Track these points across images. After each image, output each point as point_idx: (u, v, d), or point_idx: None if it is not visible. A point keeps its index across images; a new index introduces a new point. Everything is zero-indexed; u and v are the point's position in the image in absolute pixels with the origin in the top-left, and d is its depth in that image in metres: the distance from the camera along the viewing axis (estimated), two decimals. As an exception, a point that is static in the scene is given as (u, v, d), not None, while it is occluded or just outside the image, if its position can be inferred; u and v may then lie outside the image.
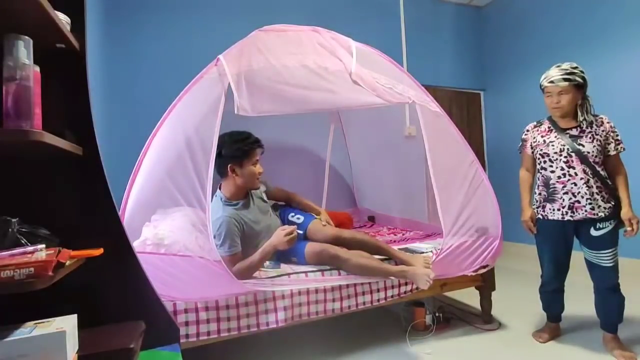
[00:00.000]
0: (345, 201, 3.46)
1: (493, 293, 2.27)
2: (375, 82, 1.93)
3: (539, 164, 1.94)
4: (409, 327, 2.12)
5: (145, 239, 1.62)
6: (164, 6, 3.03)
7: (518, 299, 2.61)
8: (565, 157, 1.82)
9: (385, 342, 2.05)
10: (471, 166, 2.05)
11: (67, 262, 0.86)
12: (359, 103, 1.90)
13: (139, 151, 1.80)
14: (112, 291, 1.13)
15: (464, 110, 4.41)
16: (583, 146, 1.78)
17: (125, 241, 1.15)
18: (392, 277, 1.92)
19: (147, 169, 1.74)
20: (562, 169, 1.83)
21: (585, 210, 1.78)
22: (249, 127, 1.97)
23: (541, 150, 1.90)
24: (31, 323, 0.83)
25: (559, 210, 1.85)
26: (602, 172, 1.79)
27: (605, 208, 1.78)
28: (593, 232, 1.80)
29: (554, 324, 2.05)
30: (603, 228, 1.79)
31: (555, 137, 1.87)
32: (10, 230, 0.89)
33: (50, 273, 0.76)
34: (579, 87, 1.80)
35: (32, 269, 0.73)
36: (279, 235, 1.80)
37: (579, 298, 2.13)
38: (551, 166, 1.87)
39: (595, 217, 1.78)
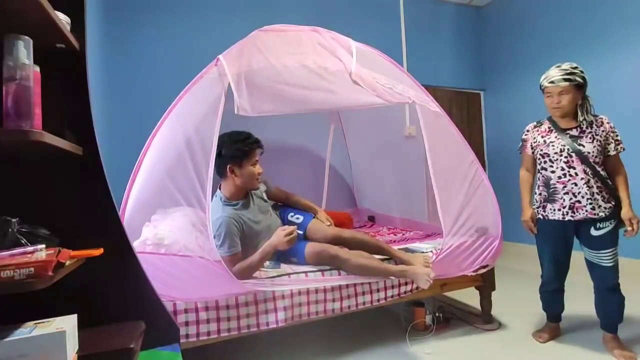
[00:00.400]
0: (345, 201, 3.46)
1: (493, 293, 2.27)
2: (375, 82, 1.93)
3: (539, 164, 1.94)
4: (409, 327, 2.12)
5: (145, 239, 1.62)
6: (164, 6, 3.03)
7: (518, 299, 2.61)
8: (566, 157, 1.82)
9: (385, 342, 2.05)
10: (471, 166, 2.05)
11: (67, 262, 0.86)
12: (359, 103, 1.90)
13: (139, 151, 1.80)
14: (112, 291, 1.13)
15: (464, 110, 4.41)
16: (583, 146, 1.78)
17: (125, 241, 1.15)
18: (392, 277, 1.93)
19: (147, 169, 1.74)
20: (563, 169, 1.83)
21: (586, 210, 1.78)
22: (249, 127, 1.97)
23: (541, 150, 1.90)
24: (31, 323, 0.83)
25: (559, 210, 1.85)
26: (602, 172, 1.79)
27: (605, 208, 1.78)
28: (593, 232, 1.80)
29: (554, 324, 2.05)
30: (603, 228, 1.79)
31: (556, 137, 1.87)
32: (10, 230, 0.89)
33: (50, 273, 0.76)
34: (579, 87, 1.80)
35: (32, 269, 0.73)
36: (279, 236, 1.80)
37: (579, 298, 2.13)
38: (551, 166, 1.87)
39: (596, 217, 1.78)
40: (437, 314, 2.22)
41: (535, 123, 2.02)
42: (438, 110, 2.07)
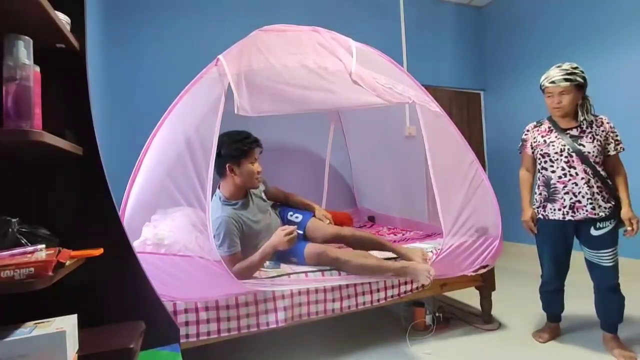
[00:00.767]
0: (345, 201, 3.46)
1: (493, 293, 2.27)
2: (375, 82, 1.93)
3: (540, 164, 1.94)
4: (409, 327, 2.12)
5: (145, 239, 1.62)
6: (164, 6, 3.03)
7: (518, 299, 2.61)
8: (566, 157, 1.82)
9: (385, 342, 2.05)
10: (471, 166, 2.05)
11: (67, 262, 0.86)
12: (359, 103, 1.90)
13: (139, 151, 1.80)
14: (112, 291, 1.13)
15: (464, 110, 4.41)
16: (583, 146, 1.78)
17: (125, 241, 1.15)
18: (393, 276, 1.92)
19: (147, 169, 1.74)
20: (563, 169, 1.83)
21: (586, 210, 1.78)
22: (249, 127, 1.97)
23: (541, 150, 1.90)
24: (31, 323, 0.83)
25: (559, 210, 1.85)
26: (602, 172, 1.79)
27: (605, 208, 1.78)
28: (593, 232, 1.81)
29: (554, 324, 2.05)
30: (603, 228, 1.79)
31: (556, 137, 1.87)
32: (10, 230, 0.89)
33: (50, 273, 0.76)
34: (580, 87, 1.80)
35: (32, 269, 0.73)
36: (279, 236, 1.80)
37: (579, 298, 2.13)
38: (552, 166, 1.87)
39: (596, 216, 1.78)
40: (437, 314, 2.22)
41: (535, 123, 2.02)
42: (438, 110, 2.07)
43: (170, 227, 1.66)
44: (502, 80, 4.31)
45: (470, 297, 2.46)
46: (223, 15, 3.21)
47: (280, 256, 1.94)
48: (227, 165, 1.87)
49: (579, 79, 1.78)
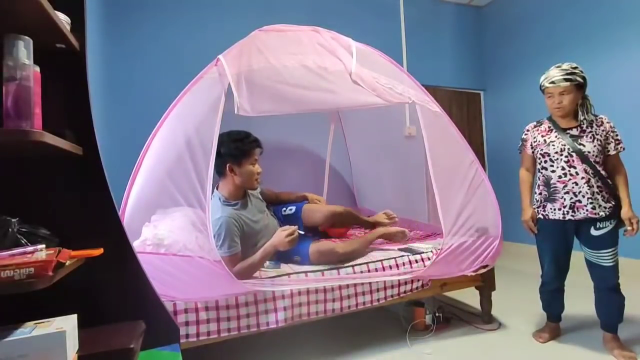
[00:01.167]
0: (345, 201, 3.44)
1: (493, 293, 2.27)
2: (375, 82, 1.93)
3: (540, 163, 1.94)
4: (409, 327, 2.12)
5: (145, 239, 1.62)
6: (164, 5, 3.03)
7: (518, 299, 2.61)
8: (566, 156, 1.82)
9: (385, 342, 2.05)
10: (471, 166, 2.05)
11: (67, 262, 0.86)
12: (359, 103, 1.90)
13: (139, 151, 1.80)
14: (112, 291, 1.14)
15: (464, 110, 4.41)
16: (584, 146, 1.78)
17: (125, 241, 1.15)
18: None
19: (147, 169, 1.74)
20: (563, 168, 1.83)
21: (587, 210, 1.78)
22: (249, 127, 1.97)
23: (542, 150, 1.90)
24: (31, 323, 0.83)
25: (559, 209, 1.85)
26: (602, 172, 1.79)
27: (605, 208, 1.78)
28: (593, 232, 1.80)
29: (554, 324, 2.05)
30: (603, 228, 1.79)
31: (556, 136, 1.87)
32: (10, 230, 0.89)
33: (50, 273, 0.76)
34: (580, 87, 1.80)
35: (32, 269, 0.73)
36: (280, 236, 1.80)
37: (579, 298, 2.13)
38: (552, 166, 1.87)
39: (596, 216, 1.78)
40: (437, 314, 2.22)
41: (535, 123, 2.02)
42: (438, 110, 2.07)
43: (170, 227, 1.66)
44: (502, 80, 4.30)
45: (470, 297, 2.46)
46: (223, 15, 3.21)
47: (282, 256, 1.94)
48: (227, 165, 1.87)
49: (578, 78, 1.78)
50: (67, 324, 0.82)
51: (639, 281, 2.52)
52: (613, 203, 1.79)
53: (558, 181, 1.84)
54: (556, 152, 1.84)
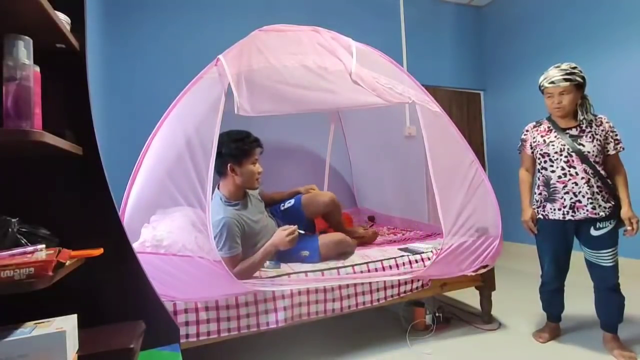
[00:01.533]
0: (345, 201, 3.45)
1: (493, 293, 2.27)
2: (375, 82, 1.93)
3: (539, 163, 1.94)
4: (409, 327, 2.12)
5: (144, 240, 1.62)
6: (164, 5, 3.03)
7: (518, 299, 2.61)
8: (566, 156, 1.82)
9: (385, 342, 2.05)
10: (471, 166, 2.05)
11: (67, 262, 0.86)
12: (359, 103, 1.90)
13: (139, 151, 1.80)
14: (112, 291, 1.14)
15: (464, 110, 4.41)
16: (583, 146, 1.78)
17: (125, 241, 1.15)
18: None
19: (147, 169, 1.74)
20: (563, 168, 1.83)
21: (587, 210, 1.78)
22: (249, 127, 1.97)
23: (541, 150, 1.90)
24: (31, 323, 0.83)
25: (559, 210, 1.84)
26: (602, 172, 1.79)
27: (605, 208, 1.78)
28: (593, 232, 1.80)
29: (554, 324, 2.05)
30: (603, 228, 1.79)
31: (555, 137, 1.87)
32: (10, 230, 0.89)
33: (50, 273, 0.76)
34: (579, 87, 1.80)
35: (32, 269, 0.73)
36: (281, 235, 1.80)
37: (579, 298, 2.13)
38: (551, 166, 1.87)
39: (596, 216, 1.78)
40: (437, 314, 2.22)
41: (534, 123, 2.02)
42: (438, 110, 2.07)
43: (169, 227, 1.66)
44: (502, 80, 4.30)
45: (470, 297, 2.46)
46: (223, 15, 3.21)
47: (287, 252, 1.92)
48: (228, 165, 1.87)
49: (578, 78, 1.78)
50: (67, 324, 0.83)
51: (639, 281, 2.52)
52: (613, 203, 1.79)
53: (558, 181, 1.84)
54: (556, 152, 1.84)
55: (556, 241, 1.90)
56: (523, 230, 2.02)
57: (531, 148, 1.97)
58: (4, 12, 0.79)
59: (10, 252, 0.81)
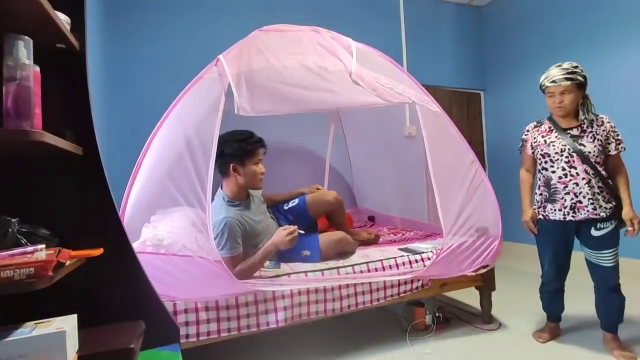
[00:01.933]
0: (345, 201, 3.41)
1: (493, 293, 2.27)
2: (375, 82, 1.93)
3: (540, 164, 1.93)
4: (409, 327, 2.12)
5: (144, 240, 1.62)
6: (164, 5, 3.03)
7: (518, 299, 2.61)
8: (567, 157, 1.81)
9: (385, 342, 2.05)
10: (471, 166, 2.05)
11: (67, 262, 0.86)
12: (359, 103, 1.90)
13: (139, 151, 1.80)
14: (112, 291, 1.14)
15: (464, 110, 4.41)
16: (584, 146, 1.78)
17: (125, 241, 1.15)
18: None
19: (147, 169, 1.74)
20: (564, 169, 1.83)
21: (587, 210, 1.78)
22: (249, 127, 1.97)
23: (542, 150, 1.90)
24: (31, 323, 0.83)
25: (560, 210, 1.84)
26: (603, 172, 1.79)
27: (606, 208, 1.78)
28: (594, 232, 1.80)
29: (554, 324, 2.05)
30: (604, 228, 1.79)
31: (556, 137, 1.86)
32: (10, 230, 0.89)
33: (50, 273, 0.76)
34: (581, 86, 1.80)
35: (32, 269, 0.73)
36: (281, 235, 1.80)
37: (579, 298, 2.13)
38: (552, 166, 1.86)
39: (597, 217, 1.77)
40: (437, 314, 2.22)
41: (535, 123, 2.02)
42: (438, 110, 2.07)
43: (170, 227, 1.66)
44: (502, 80, 4.30)
45: (470, 297, 2.46)
46: (223, 15, 3.21)
47: (288, 252, 1.92)
48: (231, 165, 1.88)
49: (579, 77, 1.78)
50: (67, 324, 0.82)
51: (639, 281, 2.52)
52: (614, 203, 1.79)
53: (558, 182, 1.84)
54: (556, 153, 1.84)
55: (556, 242, 1.90)
56: (523, 230, 2.02)
57: (532, 148, 1.97)
58: (4, 12, 0.79)
59: (10, 252, 0.81)
